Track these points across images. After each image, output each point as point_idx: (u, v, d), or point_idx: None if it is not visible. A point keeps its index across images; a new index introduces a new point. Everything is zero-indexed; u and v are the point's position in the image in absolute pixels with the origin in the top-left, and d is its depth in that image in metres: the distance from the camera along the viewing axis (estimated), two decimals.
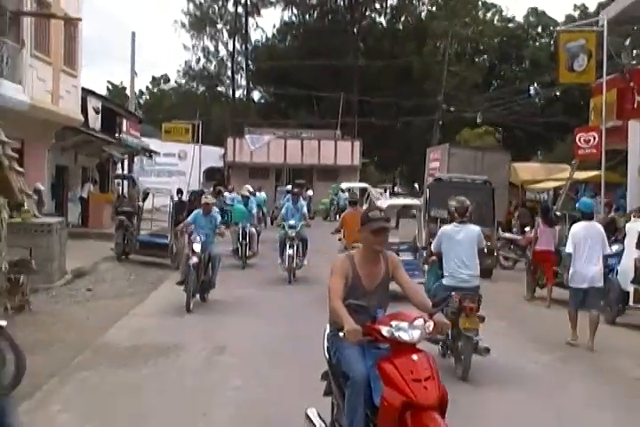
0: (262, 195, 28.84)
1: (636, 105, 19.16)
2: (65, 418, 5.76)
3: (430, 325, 4.36)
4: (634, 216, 12.31)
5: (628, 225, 11.28)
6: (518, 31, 53.95)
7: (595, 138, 20.17)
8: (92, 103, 23.66)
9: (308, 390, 5.67)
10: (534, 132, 47.09)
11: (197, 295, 11.48)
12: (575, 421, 6.21)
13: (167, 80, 71.29)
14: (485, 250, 9.49)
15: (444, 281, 7.97)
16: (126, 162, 31.54)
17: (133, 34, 31.73)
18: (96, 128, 24.35)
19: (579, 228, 9.03)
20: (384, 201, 16.99)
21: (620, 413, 6.35)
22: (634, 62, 20.58)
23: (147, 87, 71.76)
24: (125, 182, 26.95)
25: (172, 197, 18.35)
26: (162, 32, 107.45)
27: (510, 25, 55.10)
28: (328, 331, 4.78)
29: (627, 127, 20.02)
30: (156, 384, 6.78)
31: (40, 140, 19.49)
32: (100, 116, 24.66)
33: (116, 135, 27.51)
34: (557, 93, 48.34)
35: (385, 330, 4.28)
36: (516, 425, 6.10)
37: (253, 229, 17.65)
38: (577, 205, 10.38)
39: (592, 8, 47.17)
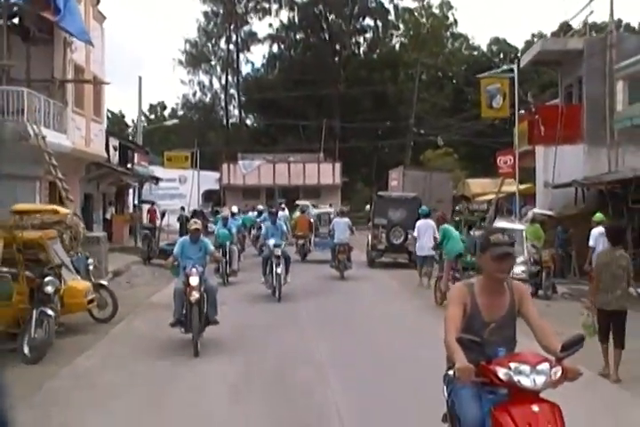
0: (254, 214, 33.10)
1: (540, 133, 24.65)
2: (143, 328, 11.12)
3: (558, 371, 3.90)
4: (499, 218, 17.77)
5: (494, 224, 16.74)
6: (482, 58, 59.61)
7: (511, 159, 25.70)
8: (112, 142, 29.08)
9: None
10: (498, 148, 52.51)
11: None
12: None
13: (164, 107, 77.10)
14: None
15: (334, 241, 18.07)
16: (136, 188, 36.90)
17: (140, 78, 37.23)
18: (114, 162, 29.72)
19: (420, 222, 14.83)
20: (315, 210, 24.01)
21: None
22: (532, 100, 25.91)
23: (145, 115, 77.43)
24: (145, 206, 32.55)
25: (181, 215, 23.72)
26: (160, 62, 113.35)
27: (475, 53, 60.94)
28: (446, 368, 4.32)
29: (535, 151, 25.53)
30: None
31: (75, 174, 24.74)
32: (117, 151, 30.07)
33: (129, 166, 32.90)
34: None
35: (502, 372, 3.86)
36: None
37: (234, 248, 18.33)
38: (420, 209, 16.69)
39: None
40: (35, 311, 9.08)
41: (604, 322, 8.22)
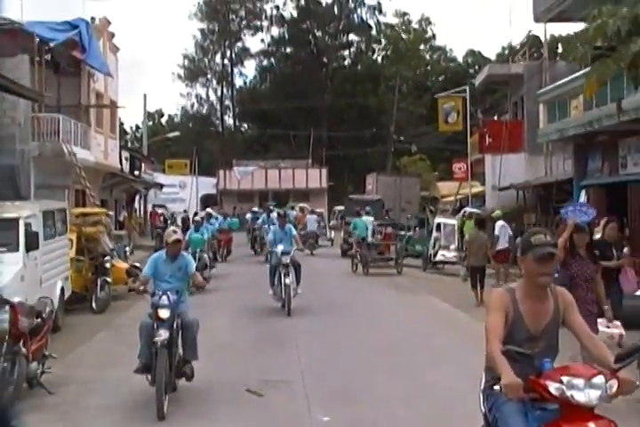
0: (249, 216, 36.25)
1: (487, 144, 29.20)
2: None
3: (613, 384, 3.64)
4: (439, 215, 22.29)
5: (435, 220, 21.28)
6: (458, 69, 64.25)
7: (464, 166, 30.32)
8: (124, 154, 33.62)
9: None
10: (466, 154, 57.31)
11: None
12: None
13: (162, 115, 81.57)
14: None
15: (307, 230, 23.17)
16: (143, 194, 41.47)
17: (145, 96, 41.72)
18: (125, 171, 34.23)
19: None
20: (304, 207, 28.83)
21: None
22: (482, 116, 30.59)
23: (142, 122, 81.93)
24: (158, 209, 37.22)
25: (184, 217, 28.21)
26: (156, 69, 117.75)
27: (452, 64, 65.70)
28: (484, 380, 4.12)
29: (484, 159, 30.15)
30: None
31: (95, 183, 29.23)
32: (128, 162, 34.61)
33: (137, 174, 37.43)
34: None
35: (554, 387, 3.61)
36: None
37: (205, 256, 17.46)
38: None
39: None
40: (99, 280, 13.62)
41: (474, 275, 13.80)
